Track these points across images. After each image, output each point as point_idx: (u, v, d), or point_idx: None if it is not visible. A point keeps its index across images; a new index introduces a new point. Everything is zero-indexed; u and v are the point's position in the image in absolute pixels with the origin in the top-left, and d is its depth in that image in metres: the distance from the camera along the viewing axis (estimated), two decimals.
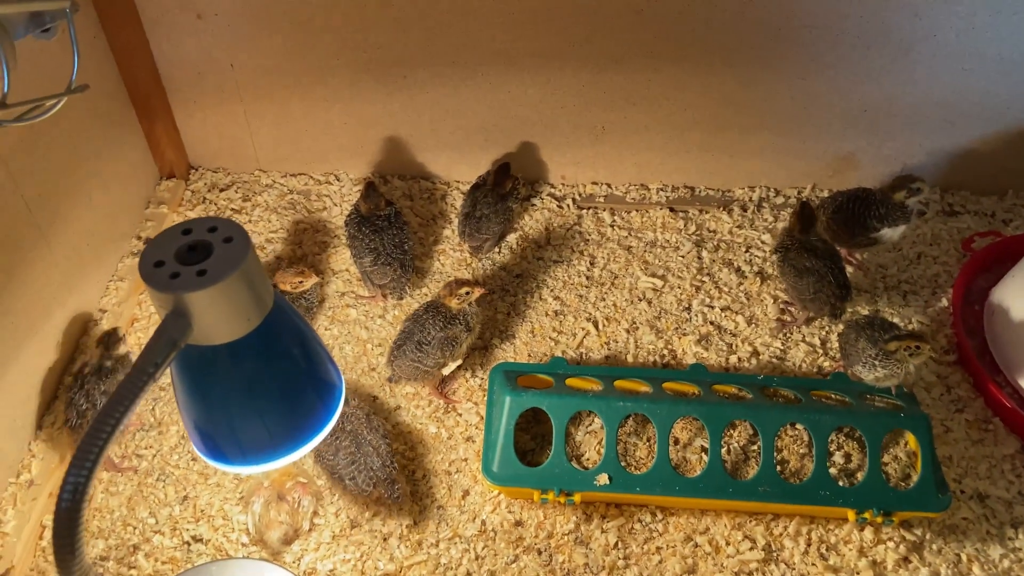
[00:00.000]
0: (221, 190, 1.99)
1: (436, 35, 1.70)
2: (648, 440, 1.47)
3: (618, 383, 1.47)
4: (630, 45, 1.70)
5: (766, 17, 1.63)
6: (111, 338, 1.44)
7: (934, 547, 1.37)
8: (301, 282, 1.60)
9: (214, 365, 0.81)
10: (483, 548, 1.38)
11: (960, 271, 1.71)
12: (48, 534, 1.37)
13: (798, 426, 1.45)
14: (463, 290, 1.50)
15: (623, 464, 1.38)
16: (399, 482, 1.41)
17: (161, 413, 1.56)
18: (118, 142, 1.79)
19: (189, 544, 1.39)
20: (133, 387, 0.73)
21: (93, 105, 1.68)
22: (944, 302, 1.72)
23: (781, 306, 1.72)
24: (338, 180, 2.01)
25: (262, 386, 0.85)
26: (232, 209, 1.94)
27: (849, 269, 1.78)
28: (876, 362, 1.40)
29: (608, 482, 1.35)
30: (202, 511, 1.43)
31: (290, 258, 1.83)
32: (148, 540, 1.39)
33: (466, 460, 1.50)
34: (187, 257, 0.76)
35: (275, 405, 0.87)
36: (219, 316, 0.76)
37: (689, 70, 1.74)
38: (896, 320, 1.68)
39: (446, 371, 1.58)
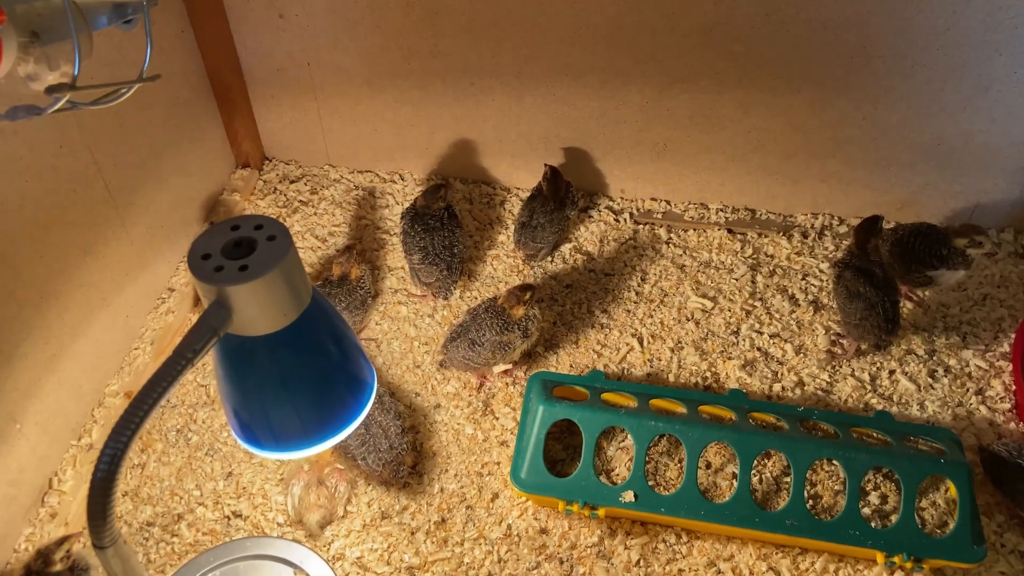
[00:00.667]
0: (291, 182, 2.08)
1: (504, 46, 1.74)
2: (679, 461, 1.47)
3: (653, 402, 1.48)
4: (695, 65, 1.70)
5: (838, 44, 1.61)
6: None
7: None
8: (342, 264, 1.68)
9: (252, 355, 0.86)
10: (506, 552, 1.41)
11: None
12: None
13: (835, 462, 1.43)
14: (527, 295, 1.54)
15: (651, 483, 1.38)
16: (405, 464, 1.47)
17: (215, 392, 1.64)
18: (199, 132, 1.88)
19: (229, 519, 1.46)
20: (173, 368, 0.79)
21: (178, 96, 1.78)
22: (1006, 347, 1.66)
23: (832, 337, 1.69)
24: (402, 179, 2.07)
25: (296, 378, 0.90)
26: (300, 201, 2.02)
27: (909, 305, 1.75)
28: None
29: (633, 500, 1.36)
30: (244, 488, 1.50)
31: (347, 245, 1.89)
32: (192, 511, 1.47)
33: (499, 464, 1.53)
34: (232, 252, 0.80)
35: (307, 396, 0.92)
36: (258, 309, 0.81)
37: (755, 93, 1.72)
38: (952, 363, 1.64)
39: (496, 369, 1.62)
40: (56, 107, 0.92)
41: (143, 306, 1.72)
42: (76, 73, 0.91)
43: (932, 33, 1.56)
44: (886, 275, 1.59)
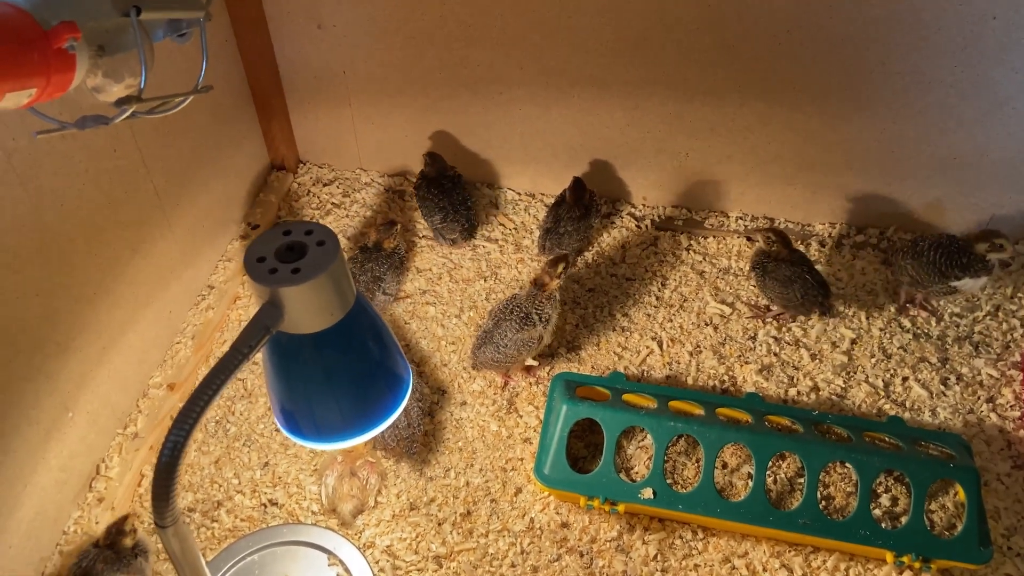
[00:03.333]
0: (324, 184, 2.15)
1: (533, 57, 1.80)
2: (697, 461, 1.53)
3: (672, 403, 1.53)
4: (718, 78, 1.75)
5: (858, 60, 1.66)
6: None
7: None
8: (379, 233, 1.84)
9: (300, 351, 0.93)
10: (529, 544, 1.48)
11: None
12: (146, 482, 1.54)
13: (847, 464, 1.48)
14: (560, 268, 1.64)
15: (669, 481, 1.44)
16: (418, 442, 1.58)
17: (252, 385, 1.72)
18: (238, 136, 1.96)
19: (266, 506, 1.54)
20: (230, 363, 0.86)
21: (220, 102, 1.86)
22: (1017, 356, 1.70)
23: (769, 319, 1.81)
24: None
25: (339, 373, 0.97)
26: (332, 203, 2.10)
27: (923, 315, 1.79)
28: None
29: (652, 496, 1.42)
30: (280, 478, 1.57)
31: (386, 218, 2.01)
32: (231, 498, 1.55)
33: (522, 460, 1.59)
34: (285, 255, 0.87)
35: (349, 391, 0.99)
36: (307, 309, 0.87)
37: (775, 105, 1.77)
38: (964, 371, 1.68)
39: (527, 363, 1.69)
40: (122, 117, 0.99)
41: (185, 302, 1.80)
42: (143, 86, 0.98)
43: (950, 51, 1.60)
44: (794, 255, 1.74)
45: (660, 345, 1.77)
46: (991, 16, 1.54)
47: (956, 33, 1.58)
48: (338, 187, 2.15)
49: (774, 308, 1.80)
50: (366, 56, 1.90)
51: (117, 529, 1.33)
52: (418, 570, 1.44)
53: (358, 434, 1.01)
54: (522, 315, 1.62)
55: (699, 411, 1.51)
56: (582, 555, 1.46)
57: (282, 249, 0.88)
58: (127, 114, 0.98)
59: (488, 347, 1.64)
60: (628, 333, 1.79)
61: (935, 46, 1.61)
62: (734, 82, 1.76)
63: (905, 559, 1.35)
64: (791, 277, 1.70)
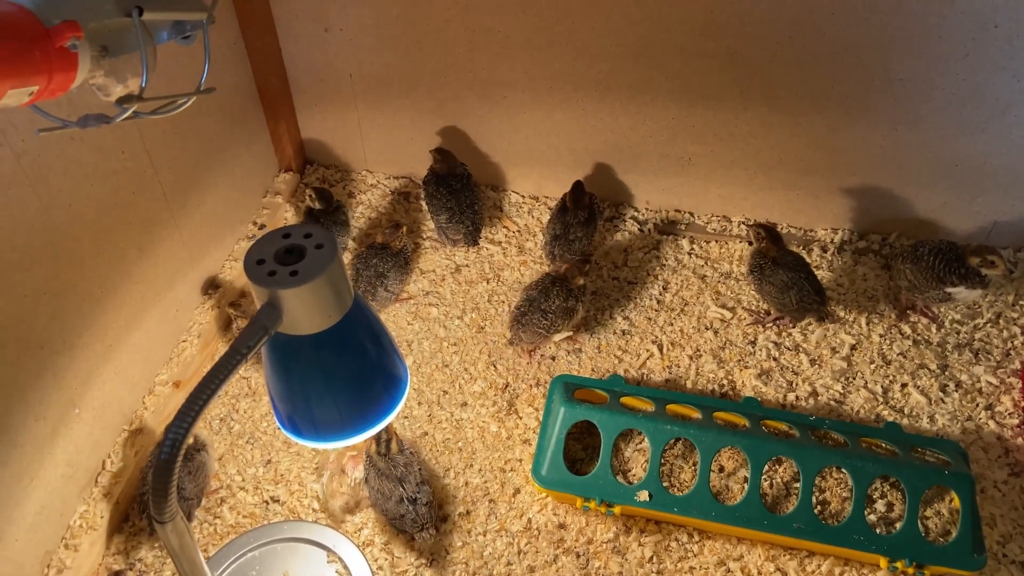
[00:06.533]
0: (331, 185, 2.17)
1: (538, 61, 1.82)
2: (693, 464, 1.54)
3: (670, 407, 1.54)
4: (721, 83, 1.76)
5: (860, 67, 1.67)
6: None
7: None
8: (386, 235, 1.87)
9: (298, 352, 0.94)
10: (526, 544, 1.49)
11: None
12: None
13: (843, 470, 1.49)
14: (587, 267, 1.75)
15: (665, 484, 1.46)
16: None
17: (256, 384, 1.74)
18: (246, 137, 1.99)
19: (268, 503, 1.56)
20: (229, 363, 0.88)
21: (228, 104, 1.88)
22: (1017, 364, 1.70)
23: (768, 324, 1.82)
24: None
25: (337, 374, 0.98)
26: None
27: (923, 321, 1.79)
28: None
29: (648, 499, 1.43)
30: (281, 475, 1.60)
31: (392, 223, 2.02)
32: (234, 494, 1.57)
33: (521, 461, 1.60)
34: (284, 258, 0.89)
35: (346, 391, 1.00)
36: (305, 311, 0.89)
37: (778, 111, 1.78)
38: (963, 378, 1.69)
39: (557, 337, 1.73)
40: (123, 116, 1.01)
41: (191, 301, 1.83)
42: (144, 85, 0.99)
43: (952, 58, 1.61)
44: (790, 258, 1.74)
45: (660, 349, 1.78)
46: (993, 24, 1.54)
47: (958, 41, 1.58)
48: (344, 188, 2.17)
49: (773, 313, 1.80)
50: (372, 59, 1.92)
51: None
52: (416, 568, 1.46)
53: (355, 433, 1.03)
54: (568, 288, 1.71)
55: (696, 415, 1.53)
56: (578, 556, 1.48)
57: (281, 252, 0.90)
58: (128, 113, 0.99)
59: (534, 315, 1.69)
60: (629, 336, 1.81)
61: (937, 53, 1.61)
62: (737, 87, 1.77)
63: (899, 565, 1.35)
64: (788, 283, 1.71)
